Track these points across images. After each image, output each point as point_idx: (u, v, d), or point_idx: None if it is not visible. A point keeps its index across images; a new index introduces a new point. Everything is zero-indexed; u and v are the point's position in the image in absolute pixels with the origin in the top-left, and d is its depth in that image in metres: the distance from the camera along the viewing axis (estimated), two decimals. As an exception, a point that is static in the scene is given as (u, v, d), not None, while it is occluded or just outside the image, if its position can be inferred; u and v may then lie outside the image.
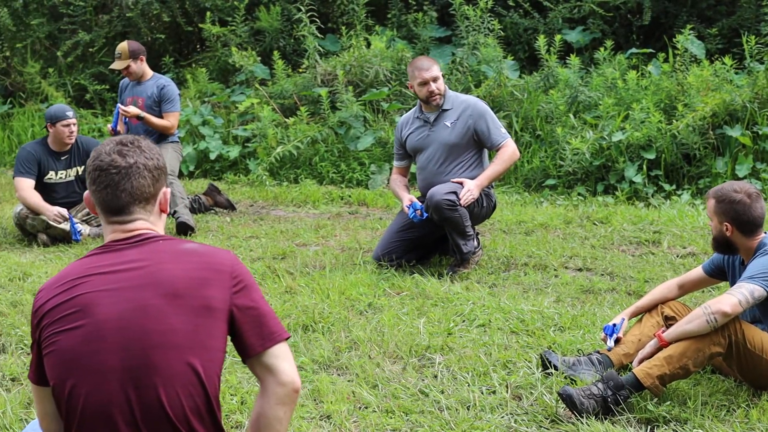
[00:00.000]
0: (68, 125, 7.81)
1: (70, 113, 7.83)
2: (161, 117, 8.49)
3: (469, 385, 4.48)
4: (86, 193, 2.79)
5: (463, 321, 5.39)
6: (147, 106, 8.50)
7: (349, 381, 4.59)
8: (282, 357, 2.66)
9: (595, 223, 7.82)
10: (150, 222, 2.77)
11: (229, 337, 2.68)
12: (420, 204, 6.46)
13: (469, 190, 6.35)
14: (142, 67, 8.59)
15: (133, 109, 8.33)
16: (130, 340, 2.54)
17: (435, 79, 6.53)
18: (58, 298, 2.62)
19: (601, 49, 10.66)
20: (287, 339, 2.71)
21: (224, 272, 2.66)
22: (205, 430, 2.59)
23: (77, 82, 13.03)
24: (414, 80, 6.58)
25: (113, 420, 2.52)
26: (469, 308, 5.56)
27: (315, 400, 4.40)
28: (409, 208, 6.44)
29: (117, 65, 8.55)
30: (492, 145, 6.55)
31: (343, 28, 11.97)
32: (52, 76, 13.05)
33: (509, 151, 6.54)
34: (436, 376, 4.62)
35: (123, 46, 8.56)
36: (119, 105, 8.43)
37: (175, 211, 8.00)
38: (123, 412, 2.52)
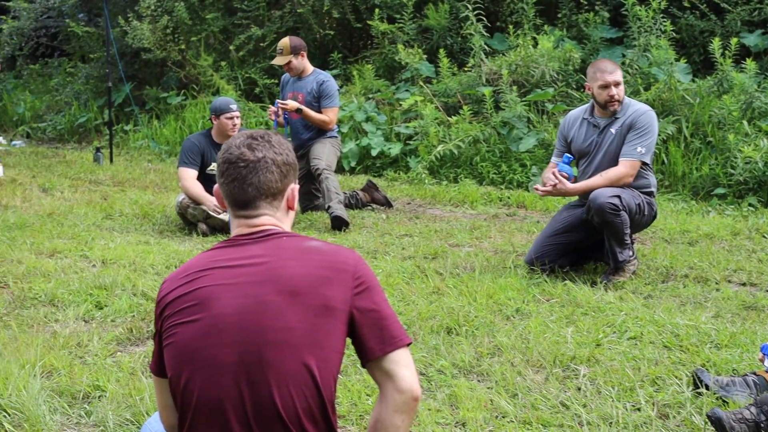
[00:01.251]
0: (231, 118, 7.93)
1: (233, 106, 7.95)
2: (320, 112, 8.53)
3: (613, 401, 4.27)
4: (216, 186, 2.77)
5: (614, 332, 5.17)
6: (307, 101, 8.56)
7: (488, 388, 4.45)
8: (402, 363, 2.56)
9: (764, 236, 7.43)
10: (276, 218, 2.72)
11: (349, 340, 2.61)
12: (569, 157, 6.31)
13: (560, 184, 6.22)
14: (303, 62, 8.65)
15: (292, 103, 8.40)
16: (246, 336, 2.49)
17: (617, 84, 6.25)
18: (179, 290, 2.60)
19: (781, 53, 10.17)
20: (409, 345, 2.60)
21: (346, 272, 2.58)
22: (317, 433, 2.52)
23: (248, 75, 13.30)
24: (594, 82, 6.33)
25: (225, 415, 2.48)
26: (621, 319, 5.33)
27: (452, 405, 4.28)
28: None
29: (278, 60, 8.63)
30: (620, 155, 6.26)
31: (511, 27, 11.79)
32: (224, 69, 13.36)
33: (619, 171, 6.18)
34: (579, 389, 4.43)
35: (285, 41, 8.63)
36: (278, 100, 8.52)
37: (329, 206, 8.02)
38: (235, 407, 2.48)
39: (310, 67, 8.74)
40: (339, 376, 2.52)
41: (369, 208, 8.95)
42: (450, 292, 5.93)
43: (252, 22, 13.55)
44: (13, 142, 14.00)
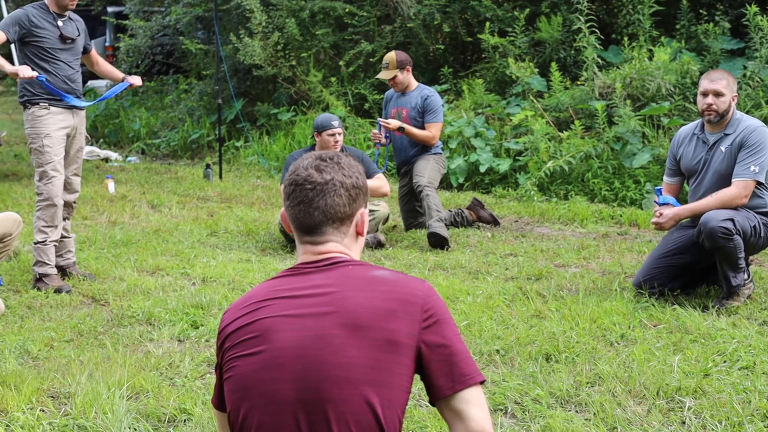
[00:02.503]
0: (333, 135, 7.84)
1: (336, 122, 7.86)
2: (423, 128, 8.39)
3: (719, 436, 4.01)
4: (282, 209, 2.63)
5: (724, 361, 4.87)
6: (410, 117, 8.44)
7: (586, 420, 4.22)
8: (473, 402, 2.37)
9: None
10: (343, 245, 2.57)
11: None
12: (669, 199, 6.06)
13: (666, 217, 6.00)
14: (408, 77, 8.53)
15: (394, 122, 8.28)
16: (307, 371, 2.34)
17: (716, 94, 5.90)
18: (239, 321, 2.48)
19: None
20: (482, 383, 2.42)
21: (414, 304, 2.40)
22: (380, 473, 2.35)
23: (357, 91, 13.25)
24: (699, 88, 6.06)
25: None
26: (733, 347, 5.02)
27: (546, 437, 4.08)
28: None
29: (384, 75, 8.52)
30: (732, 175, 5.93)
31: (626, 39, 11.46)
32: (333, 85, 13.34)
33: (731, 193, 5.83)
34: (683, 422, 4.16)
35: (391, 56, 8.52)
36: (380, 119, 8.41)
37: (429, 224, 7.87)
38: None
39: (414, 83, 8.62)
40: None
41: (475, 226, 8.76)
42: (552, 315, 5.69)
43: (362, 38, 13.50)
44: (128, 159, 14.23)
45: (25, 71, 6.44)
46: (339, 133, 7.87)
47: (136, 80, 7.21)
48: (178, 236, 8.52)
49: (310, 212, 2.53)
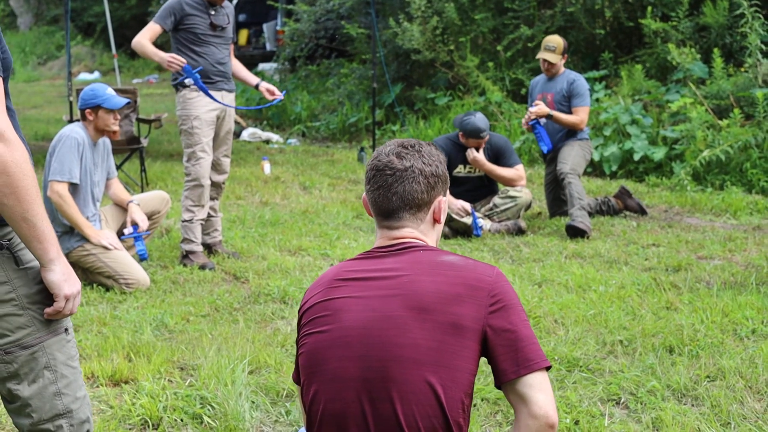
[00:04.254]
0: (479, 142, 7.94)
1: (484, 134, 7.90)
2: (570, 112, 8.30)
3: (840, 439, 3.86)
4: (364, 194, 2.71)
5: None
6: (556, 101, 8.37)
7: (700, 414, 4.13)
8: (537, 387, 2.39)
9: None
10: (419, 231, 2.63)
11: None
12: None
13: None
14: (562, 63, 8.48)
15: (543, 109, 8.19)
16: (371, 350, 2.42)
17: None
18: (314, 299, 2.59)
19: None
20: (548, 368, 2.43)
21: (482, 289, 2.44)
22: (442, 455, 2.40)
23: (515, 76, 13.16)
24: None
25: (348, 430, 2.42)
26: None
27: (655, 430, 4.01)
28: None
29: (551, 57, 8.40)
30: None
31: (798, 24, 11.00)
32: (490, 69, 13.30)
33: None
34: (803, 422, 4.03)
35: (558, 40, 8.44)
36: (529, 110, 8.28)
37: (570, 212, 7.80)
38: (358, 424, 2.41)
39: (563, 68, 8.54)
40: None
41: (622, 215, 8.61)
42: (683, 308, 5.57)
43: (521, 22, 13.39)
44: (289, 141, 14.56)
45: (172, 64, 6.70)
46: (485, 141, 7.96)
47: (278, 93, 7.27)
48: (325, 218, 8.70)
49: (388, 197, 2.59)
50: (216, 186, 7.28)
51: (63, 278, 2.55)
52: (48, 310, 2.58)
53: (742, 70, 10.98)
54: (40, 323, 2.59)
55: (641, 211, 8.55)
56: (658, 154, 10.38)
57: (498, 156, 8.05)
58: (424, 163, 2.61)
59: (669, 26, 12.02)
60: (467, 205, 7.84)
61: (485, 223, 7.90)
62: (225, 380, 4.45)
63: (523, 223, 7.97)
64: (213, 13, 6.98)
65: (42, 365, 2.61)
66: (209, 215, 7.23)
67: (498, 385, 2.46)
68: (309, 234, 7.99)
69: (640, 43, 12.95)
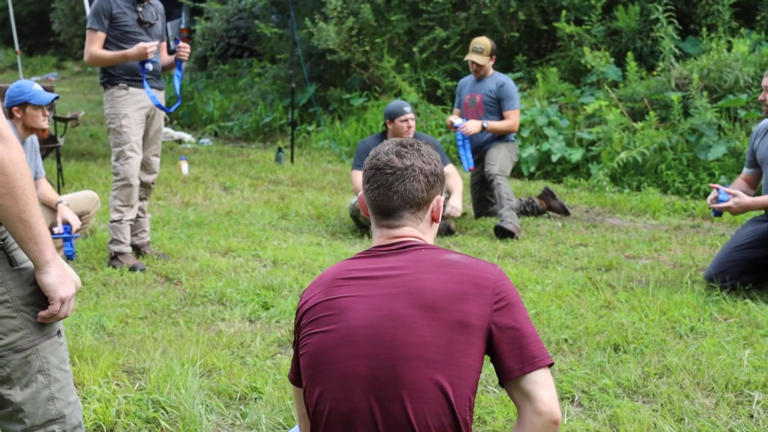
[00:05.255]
0: (406, 120, 7.87)
1: (407, 109, 7.90)
2: (499, 113, 8.39)
3: (790, 432, 3.97)
4: (360, 193, 2.69)
5: (796, 357, 4.82)
6: (485, 102, 8.45)
7: (653, 410, 4.21)
8: (541, 384, 2.41)
9: None
10: (419, 230, 2.63)
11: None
12: (725, 196, 5.94)
13: (736, 204, 5.85)
14: (491, 65, 8.55)
15: (472, 127, 8.22)
16: (379, 349, 2.40)
17: (766, 89, 5.90)
18: (315, 298, 2.56)
19: None
20: (550, 365, 2.45)
21: (486, 287, 2.45)
22: (451, 452, 2.40)
23: (430, 77, 13.24)
24: None
25: (355, 430, 2.40)
26: (805, 343, 4.97)
27: (612, 427, 4.07)
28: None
29: (478, 59, 8.45)
30: None
31: (705, 29, 11.30)
32: (406, 71, 13.35)
33: None
34: (751, 416, 4.13)
35: (487, 41, 8.51)
36: (460, 124, 8.30)
37: (499, 213, 7.88)
38: (365, 424, 2.39)
39: (491, 70, 8.61)
40: (495, 390, 2.39)
41: (545, 215, 8.74)
42: (621, 306, 5.67)
43: (437, 24, 13.48)
44: (201, 141, 14.41)
45: (149, 49, 6.61)
46: (411, 119, 7.90)
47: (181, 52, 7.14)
48: (250, 218, 8.63)
49: (389, 196, 2.59)
50: (145, 186, 7.15)
51: (58, 281, 2.48)
52: (42, 313, 2.50)
53: (654, 73, 11.24)
54: (33, 326, 2.51)
55: (564, 211, 8.68)
56: (576, 155, 10.56)
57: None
58: (423, 162, 2.60)
59: (582, 30, 12.25)
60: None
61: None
62: (177, 384, 4.38)
63: (451, 224, 8.02)
64: (141, 9, 6.87)
65: (35, 369, 2.52)
66: (137, 216, 7.10)
67: (501, 383, 2.47)
68: (236, 235, 7.91)
69: (554, 46, 13.15)
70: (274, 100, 14.95)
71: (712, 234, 7.86)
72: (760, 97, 5.98)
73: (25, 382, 2.52)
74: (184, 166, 11.10)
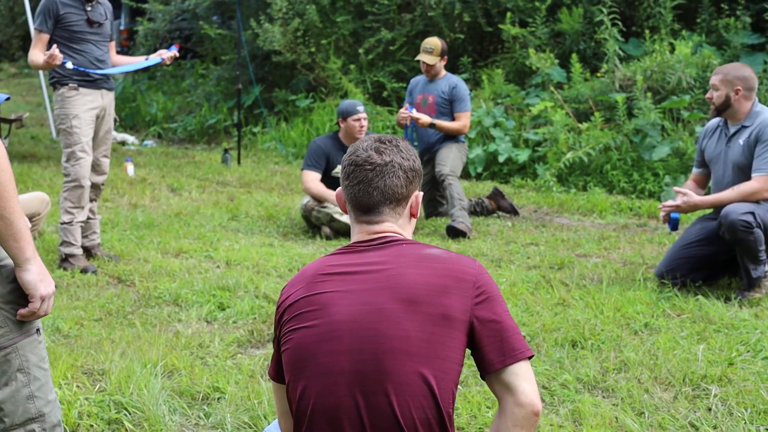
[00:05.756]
0: (359, 120, 7.90)
1: (360, 108, 7.92)
2: (450, 115, 8.44)
3: (745, 423, 4.05)
4: (338, 189, 2.70)
5: (747, 351, 4.91)
6: (437, 103, 8.50)
7: (613, 405, 4.27)
8: (522, 376, 2.44)
9: None
10: (398, 225, 2.65)
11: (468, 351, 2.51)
12: (676, 215, 6.12)
13: (685, 204, 6.04)
14: (442, 65, 8.59)
15: (425, 118, 8.29)
16: (364, 343, 2.42)
17: (713, 87, 6.03)
18: (297, 294, 2.56)
19: None
20: (530, 357, 2.49)
21: (467, 281, 2.48)
22: (436, 444, 2.42)
23: (376, 79, 13.28)
24: None
25: (341, 425, 2.41)
26: (756, 338, 5.07)
27: (575, 422, 4.12)
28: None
29: (428, 59, 8.49)
30: (752, 169, 5.96)
31: (647, 32, 11.47)
32: (352, 72, 13.37)
33: (752, 186, 5.85)
34: (709, 409, 4.21)
35: (437, 42, 8.54)
36: (412, 111, 8.36)
37: (451, 213, 7.93)
38: (351, 418, 2.40)
39: (443, 71, 8.65)
40: (459, 387, 2.42)
41: (495, 215, 8.81)
42: (576, 303, 5.75)
43: (382, 26, 13.52)
44: (145, 142, 14.29)
45: (53, 59, 6.48)
46: (364, 118, 7.92)
47: (167, 54, 7.16)
48: (200, 220, 8.58)
49: (369, 192, 2.60)
50: (95, 187, 7.08)
51: (39, 278, 2.46)
52: (23, 311, 2.48)
53: (598, 75, 11.38)
54: (13, 324, 2.48)
55: (513, 211, 8.76)
56: (522, 156, 10.66)
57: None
58: (402, 157, 2.62)
59: (527, 32, 12.36)
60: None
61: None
62: (139, 384, 4.35)
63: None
64: (89, 9, 6.80)
65: (15, 368, 2.49)
66: (88, 217, 7.03)
67: (483, 376, 2.50)
68: (187, 236, 7.86)
69: (499, 48, 13.26)
70: (219, 102, 14.87)
71: (659, 232, 7.99)
72: (707, 95, 6.11)
73: (5, 380, 2.49)
74: (130, 168, 11.00)
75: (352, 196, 2.63)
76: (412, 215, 2.70)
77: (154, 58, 7.15)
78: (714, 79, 6.04)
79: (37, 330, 2.56)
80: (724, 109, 6.04)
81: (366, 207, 2.61)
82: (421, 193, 2.72)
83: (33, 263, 2.45)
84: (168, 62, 7.16)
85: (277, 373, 2.66)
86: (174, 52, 7.13)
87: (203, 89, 15.19)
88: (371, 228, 2.63)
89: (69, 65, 6.61)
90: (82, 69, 6.66)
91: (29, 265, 2.44)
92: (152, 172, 11.27)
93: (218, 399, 4.36)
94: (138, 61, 7.29)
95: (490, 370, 2.46)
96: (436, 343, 2.41)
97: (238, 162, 12.15)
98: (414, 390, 2.38)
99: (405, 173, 2.61)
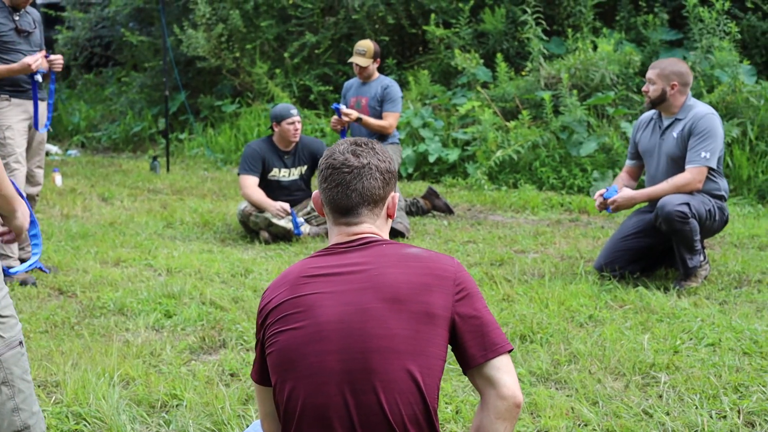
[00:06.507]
0: (293, 123, 7.92)
1: (294, 111, 7.94)
2: (381, 117, 8.49)
3: (697, 408, 4.17)
4: (315, 192, 2.74)
5: (691, 339, 5.07)
6: (370, 106, 8.54)
7: (568, 396, 4.38)
8: (504, 369, 2.51)
9: (837, 240, 7.28)
10: (376, 226, 2.70)
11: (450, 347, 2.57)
12: (613, 191, 6.26)
13: (621, 198, 6.18)
14: (375, 68, 8.63)
15: (353, 113, 8.36)
16: (350, 344, 2.46)
17: (648, 80, 6.22)
18: (280, 297, 2.59)
19: None
20: (510, 351, 2.56)
21: (447, 279, 2.54)
22: (423, 439, 2.48)
23: (302, 83, 13.29)
24: None
25: (330, 424, 2.45)
26: (698, 326, 5.22)
27: (532, 414, 4.21)
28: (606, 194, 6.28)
29: (361, 61, 8.53)
30: (685, 161, 6.15)
31: (569, 30, 11.69)
32: (278, 76, 13.37)
33: (685, 178, 6.04)
34: (661, 396, 4.34)
35: (370, 44, 8.58)
36: (341, 106, 8.43)
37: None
38: (340, 416, 2.44)
39: (376, 73, 8.71)
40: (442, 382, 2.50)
41: (430, 215, 8.90)
42: (520, 299, 5.85)
43: (306, 29, 13.54)
44: (68, 152, 14.10)
45: (32, 62, 6.48)
46: (298, 122, 7.95)
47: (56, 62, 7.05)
48: (135, 228, 8.52)
49: (347, 194, 2.64)
50: (30, 199, 6.99)
51: (24, 218, 2.87)
52: (7, 237, 2.88)
53: (523, 74, 11.55)
54: None
55: (448, 210, 8.86)
56: (452, 155, 10.78)
57: (315, 159, 8.10)
58: (379, 159, 2.67)
59: (451, 33, 12.49)
60: (286, 206, 7.81)
61: (305, 227, 7.96)
62: (97, 395, 4.33)
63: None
64: (17, 18, 6.71)
65: None
66: (24, 229, 6.93)
67: (464, 371, 2.56)
68: (124, 245, 7.80)
69: (424, 49, 13.37)
70: (143, 109, 14.75)
71: (591, 227, 8.16)
72: (644, 89, 6.28)
73: None
74: (58, 178, 10.86)
75: (331, 199, 2.67)
76: (389, 216, 2.75)
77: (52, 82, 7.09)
78: (651, 74, 6.20)
79: (20, 342, 2.56)
80: (659, 102, 6.21)
81: (345, 209, 2.66)
82: (398, 194, 2.78)
83: (19, 209, 2.84)
84: (59, 69, 7.03)
85: (260, 375, 2.68)
86: (52, 57, 6.99)
87: (126, 97, 15.04)
88: (350, 229, 2.67)
89: (39, 78, 6.58)
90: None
91: (18, 213, 2.85)
92: (80, 181, 11.14)
93: (176, 406, 4.35)
94: (45, 98, 7.13)
95: (472, 365, 2.52)
96: (421, 340, 2.47)
97: (167, 169, 12.07)
98: (402, 387, 2.43)
99: (382, 175, 2.66)
